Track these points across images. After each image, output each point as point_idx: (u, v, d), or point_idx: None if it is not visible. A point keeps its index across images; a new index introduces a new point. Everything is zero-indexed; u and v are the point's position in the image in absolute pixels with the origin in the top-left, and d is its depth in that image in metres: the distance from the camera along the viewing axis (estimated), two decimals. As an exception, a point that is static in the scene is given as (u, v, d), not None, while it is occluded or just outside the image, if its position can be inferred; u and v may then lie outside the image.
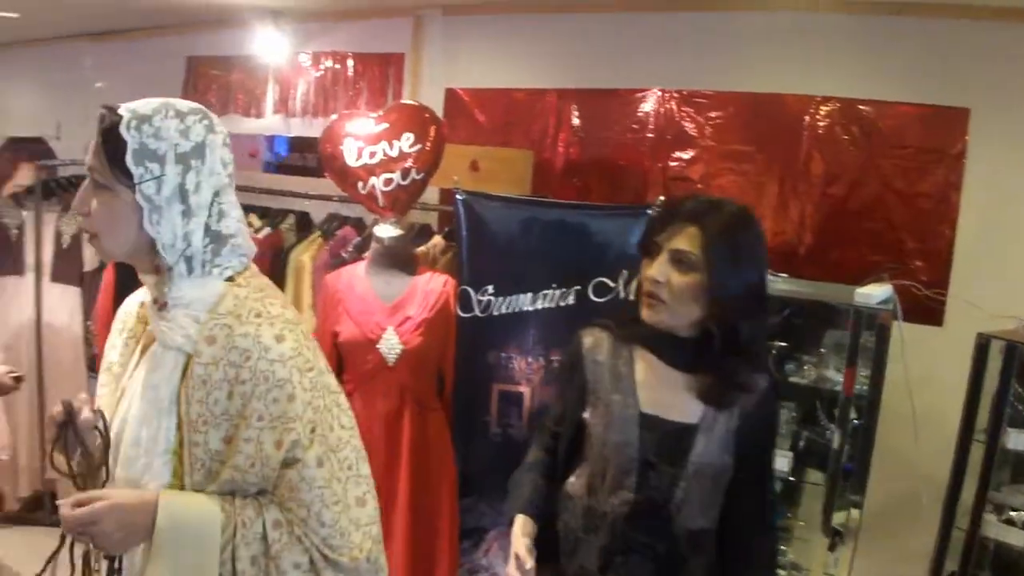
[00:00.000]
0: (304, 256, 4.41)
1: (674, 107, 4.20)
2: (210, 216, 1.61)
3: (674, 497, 2.01)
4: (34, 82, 7.25)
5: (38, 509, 5.02)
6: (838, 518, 2.97)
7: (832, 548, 2.96)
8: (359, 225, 4.40)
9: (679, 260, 1.96)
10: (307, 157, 5.03)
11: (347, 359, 3.43)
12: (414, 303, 3.42)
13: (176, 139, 1.56)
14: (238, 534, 1.53)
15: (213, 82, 5.59)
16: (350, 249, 4.13)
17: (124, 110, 1.55)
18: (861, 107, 3.79)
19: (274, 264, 4.46)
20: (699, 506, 2.02)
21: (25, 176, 5.08)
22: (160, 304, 1.63)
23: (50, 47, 6.74)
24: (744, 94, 4.03)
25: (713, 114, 4.11)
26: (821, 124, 3.87)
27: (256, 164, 5.23)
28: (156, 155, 1.55)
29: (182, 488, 1.58)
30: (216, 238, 1.63)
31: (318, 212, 4.80)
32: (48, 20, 5.91)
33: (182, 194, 1.57)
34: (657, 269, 1.99)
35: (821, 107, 3.86)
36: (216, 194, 1.62)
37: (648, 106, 4.27)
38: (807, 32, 3.86)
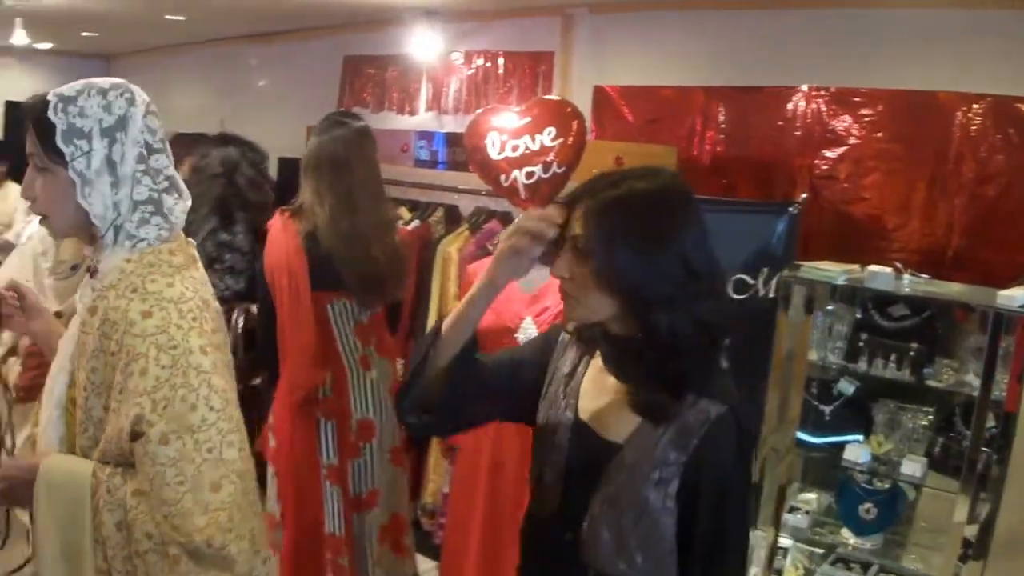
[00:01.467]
0: (451, 248, 4.53)
1: (822, 105, 4.14)
2: (137, 184, 1.73)
3: (583, 524, 1.69)
4: (199, 81, 7.62)
5: None
6: (970, 529, 2.88)
7: (963, 559, 2.88)
8: (506, 218, 4.49)
9: (575, 248, 1.64)
10: (457, 152, 5.15)
11: (485, 347, 3.47)
12: (553, 294, 3.48)
13: (100, 115, 1.69)
14: (103, 500, 1.64)
15: (369, 80, 5.77)
16: (495, 242, 4.22)
17: (52, 95, 1.68)
18: (1016, 104, 3.65)
19: (422, 255, 4.59)
20: (613, 545, 1.66)
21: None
22: (92, 271, 1.78)
23: (214, 48, 7.12)
24: (894, 91, 3.94)
25: (861, 112, 4.04)
26: (974, 122, 3.75)
27: (408, 159, 5.38)
28: (83, 132, 1.68)
29: (74, 447, 1.75)
30: (143, 207, 1.74)
31: (468, 206, 4.92)
32: (212, 23, 6.23)
33: (110, 166, 1.70)
34: (560, 265, 1.66)
35: (974, 104, 3.74)
36: (142, 163, 1.74)
37: (795, 104, 4.22)
38: (959, 28, 3.75)
